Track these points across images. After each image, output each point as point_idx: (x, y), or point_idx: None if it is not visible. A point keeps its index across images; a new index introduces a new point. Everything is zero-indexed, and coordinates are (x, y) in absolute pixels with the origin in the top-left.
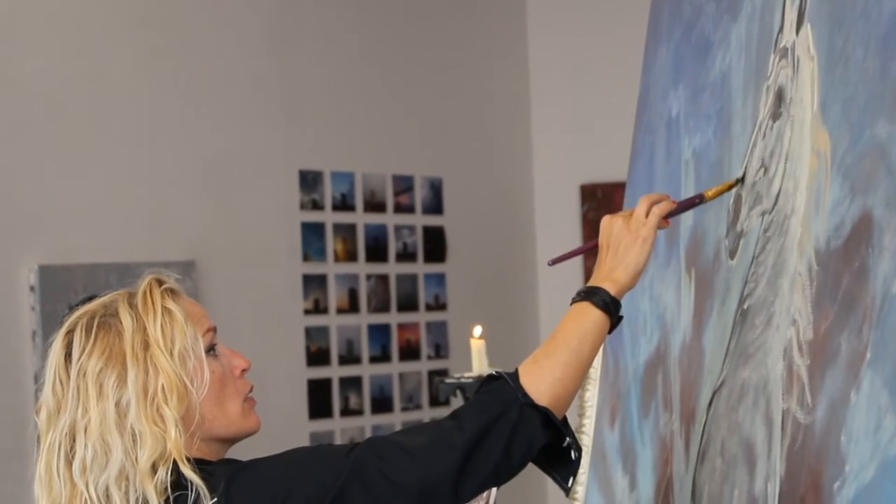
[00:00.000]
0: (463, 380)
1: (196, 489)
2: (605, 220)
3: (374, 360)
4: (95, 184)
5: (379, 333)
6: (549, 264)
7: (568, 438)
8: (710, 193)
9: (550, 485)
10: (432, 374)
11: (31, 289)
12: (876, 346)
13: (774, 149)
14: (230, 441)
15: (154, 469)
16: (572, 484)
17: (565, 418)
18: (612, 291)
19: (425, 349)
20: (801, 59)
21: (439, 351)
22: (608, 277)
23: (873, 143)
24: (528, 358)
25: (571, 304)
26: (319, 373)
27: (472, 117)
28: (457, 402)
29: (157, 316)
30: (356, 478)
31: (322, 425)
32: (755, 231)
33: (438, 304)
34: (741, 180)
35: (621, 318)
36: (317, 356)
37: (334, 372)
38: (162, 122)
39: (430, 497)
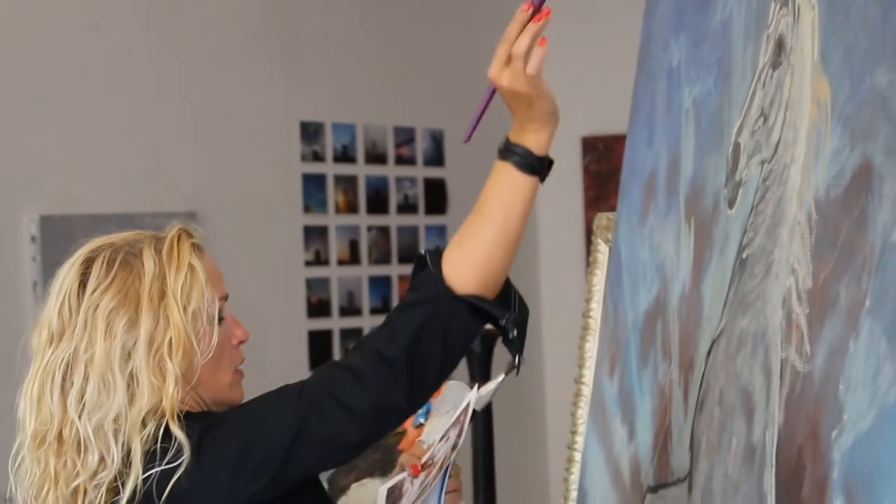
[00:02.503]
0: None
1: (177, 444)
2: (491, 78)
3: (374, 311)
4: (97, 134)
5: (380, 285)
6: (464, 141)
7: (501, 321)
8: None
9: (551, 445)
10: None
11: (32, 239)
12: (875, 295)
13: (774, 97)
14: (212, 407)
15: (144, 422)
16: (519, 362)
17: (508, 293)
18: (535, 146)
19: None
20: (802, 7)
21: None
22: (528, 131)
23: (874, 92)
24: (454, 237)
25: (497, 157)
26: (320, 324)
27: (474, 69)
28: None
29: (181, 269)
30: (312, 412)
31: None
32: (754, 180)
33: None
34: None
35: (552, 163)
36: (317, 308)
37: (335, 323)
38: (163, 73)
39: (386, 413)
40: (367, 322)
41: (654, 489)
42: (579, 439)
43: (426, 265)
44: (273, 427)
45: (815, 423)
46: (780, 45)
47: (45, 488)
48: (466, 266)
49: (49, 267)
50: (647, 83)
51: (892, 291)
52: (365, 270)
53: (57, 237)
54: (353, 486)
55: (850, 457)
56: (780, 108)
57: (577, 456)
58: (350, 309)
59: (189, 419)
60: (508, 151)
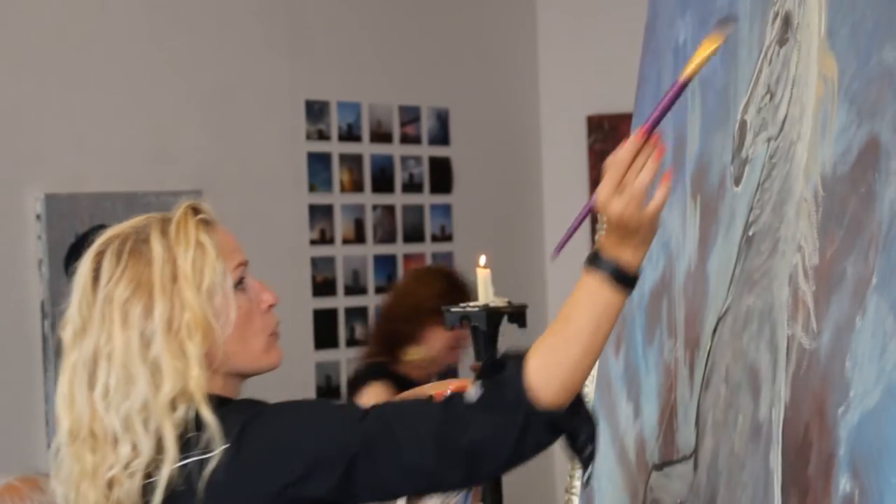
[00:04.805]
0: (468, 309)
1: (210, 432)
2: (600, 201)
3: (380, 290)
4: (102, 113)
5: (385, 264)
6: (553, 257)
7: (579, 439)
8: (688, 72)
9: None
10: None
11: (38, 217)
12: (882, 271)
13: (781, 75)
14: (250, 375)
15: (173, 406)
16: (589, 478)
17: (579, 398)
18: (627, 265)
19: None
20: None
21: None
22: (622, 249)
23: (881, 68)
24: (540, 347)
25: (586, 265)
26: (325, 303)
27: (479, 48)
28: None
29: (189, 248)
30: (366, 450)
31: (328, 355)
32: (760, 157)
33: (444, 235)
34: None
35: (637, 278)
36: (323, 286)
37: (340, 302)
38: (168, 51)
39: (437, 487)
40: (372, 301)
41: (659, 467)
42: None
43: (504, 366)
44: (330, 441)
45: (821, 400)
46: (786, 22)
47: (84, 484)
48: (552, 377)
49: (54, 245)
50: (654, 61)
51: None
52: (370, 249)
53: (62, 216)
54: None
55: (857, 434)
56: (787, 85)
57: None
58: (355, 288)
59: (227, 406)
60: (605, 264)
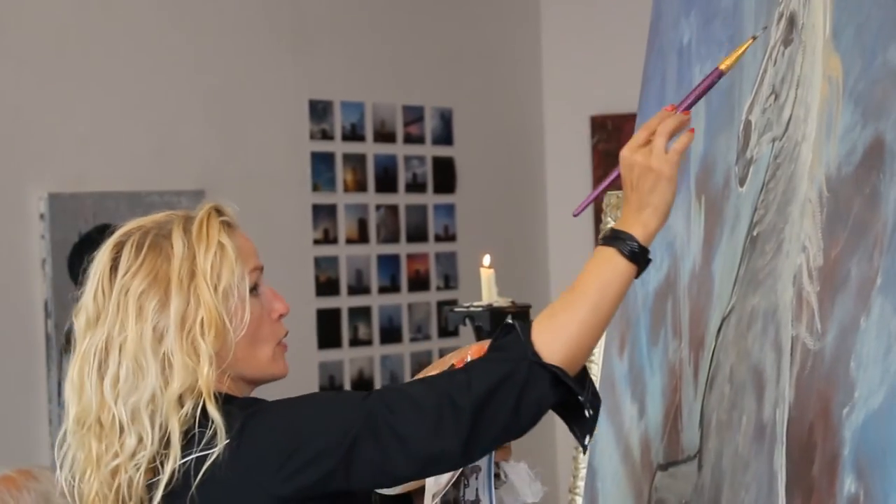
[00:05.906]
0: (472, 308)
1: (214, 427)
2: (625, 155)
3: (383, 290)
4: (105, 112)
5: (388, 264)
6: (574, 215)
7: (581, 397)
8: (727, 64)
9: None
10: (441, 304)
11: (41, 217)
12: (886, 272)
13: (785, 75)
14: (256, 382)
15: (181, 401)
16: (589, 441)
17: (585, 372)
18: (641, 237)
19: (434, 280)
20: None
21: (448, 282)
22: (637, 220)
23: (886, 69)
24: (546, 309)
25: (600, 242)
26: (329, 303)
27: (483, 48)
28: (466, 331)
29: (210, 248)
30: (368, 431)
31: (331, 355)
32: (765, 158)
33: (448, 235)
34: (756, 37)
35: (650, 261)
36: (326, 286)
37: (343, 302)
38: (172, 50)
39: (438, 457)
40: (376, 301)
41: (664, 467)
42: None
43: (510, 333)
44: (331, 425)
45: (825, 400)
46: (791, 23)
47: (88, 472)
48: (556, 337)
49: (57, 244)
50: (658, 61)
51: None
52: (373, 249)
53: (65, 215)
54: None
55: (862, 434)
56: (792, 86)
57: None
58: (358, 287)
59: (231, 403)
60: (616, 239)
